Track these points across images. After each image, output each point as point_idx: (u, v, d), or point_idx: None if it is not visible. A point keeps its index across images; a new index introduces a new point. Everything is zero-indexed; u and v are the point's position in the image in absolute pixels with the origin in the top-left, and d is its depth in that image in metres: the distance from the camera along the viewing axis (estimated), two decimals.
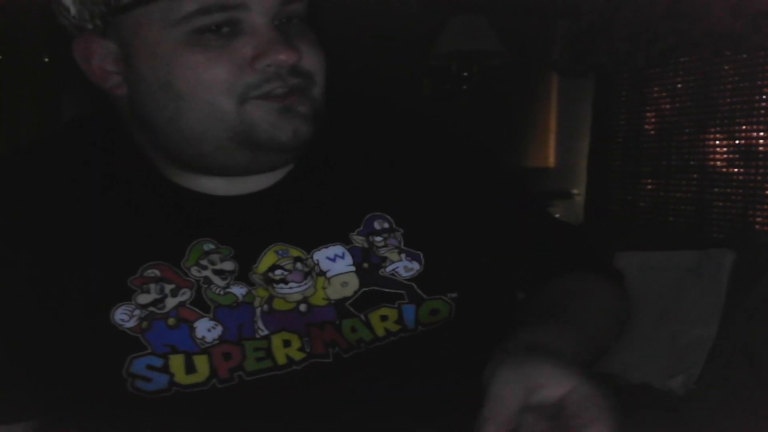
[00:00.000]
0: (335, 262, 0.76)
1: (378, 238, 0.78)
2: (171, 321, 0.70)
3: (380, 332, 0.74)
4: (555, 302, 0.80)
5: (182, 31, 0.69)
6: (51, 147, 0.81)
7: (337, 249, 0.76)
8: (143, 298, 0.71)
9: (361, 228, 0.78)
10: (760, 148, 2.62)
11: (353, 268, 0.76)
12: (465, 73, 3.23)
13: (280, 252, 0.75)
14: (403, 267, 0.77)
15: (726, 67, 2.70)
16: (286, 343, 0.72)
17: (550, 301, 0.80)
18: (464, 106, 3.22)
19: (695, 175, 2.87)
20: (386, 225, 0.79)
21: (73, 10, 0.73)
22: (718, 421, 1.78)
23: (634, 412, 1.86)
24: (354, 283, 0.75)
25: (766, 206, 2.63)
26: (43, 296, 0.71)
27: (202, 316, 0.71)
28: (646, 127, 3.07)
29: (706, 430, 1.74)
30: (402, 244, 0.78)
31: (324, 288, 0.75)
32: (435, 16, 3.14)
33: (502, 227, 0.86)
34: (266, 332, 0.72)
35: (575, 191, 3.39)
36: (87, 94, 0.81)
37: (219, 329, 0.71)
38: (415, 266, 0.77)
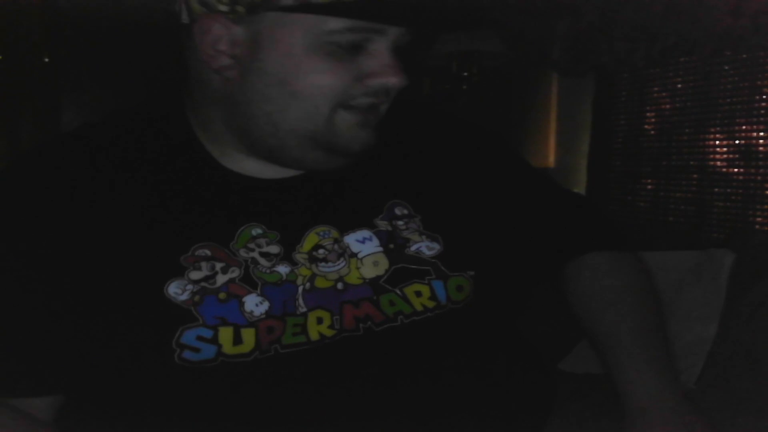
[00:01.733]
0: (364, 244, 0.82)
1: (400, 222, 0.84)
2: (222, 295, 0.75)
3: (418, 307, 0.80)
4: (640, 326, 0.91)
5: (320, 40, 0.74)
6: (110, 129, 0.85)
7: (364, 233, 0.83)
8: (195, 275, 0.76)
9: (384, 214, 0.85)
10: (760, 148, 2.62)
11: (381, 249, 0.82)
12: (465, 73, 3.23)
13: (321, 233, 0.81)
14: (426, 246, 0.83)
15: (726, 67, 2.70)
16: (319, 321, 0.77)
17: (636, 326, 0.91)
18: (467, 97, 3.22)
19: (695, 175, 2.87)
20: (405, 211, 0.85)
21: None
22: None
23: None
24: (384, 262, 0.81)
25: (766, 206, 2.63)
26: (97, 271, 0.75)
27: (251, 292, 0.76)
28: (646, 127, 3.07)
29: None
30: (422, 227, 0.84)
31: (358, 268, 0.80)
32: None
33: (515, 209, 0.94)
34: (305, 309, 0.77)
35: (575, 191, 3.39)
36: (87, 95, 0.83)
37: (266, 305, 0.76)
38: (436, 246, 0.83)
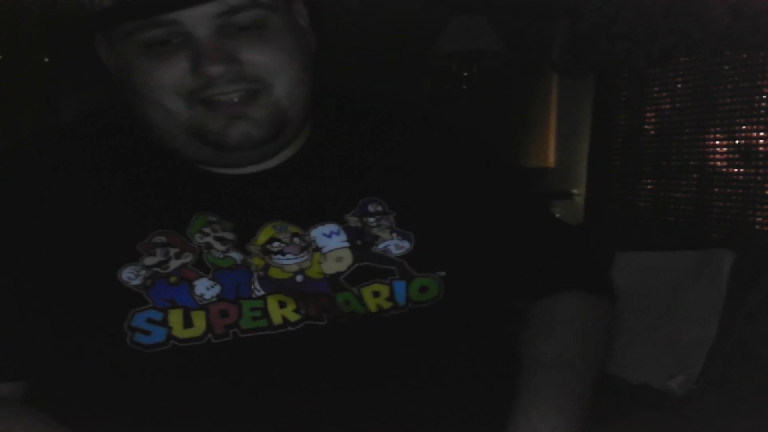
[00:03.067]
0: (330, 239, 0.81)
1: (371, 219, 0.83)
2: (173, 279, 0.76)
3: (372, 308, 0.79)
4: (567, 342, 0.88)
5: (135, 43, 0.77)
6: (76, 128, 0.89)
7: (332, 227, 0.82)
8: (149, 260, 0.76)
9: (356, 210, 0.83)
10: (760, 148, 2.62)
11: (347, 244, 0.81)
12: (465, 73, 3.23)
13: (278, 227, 0.81)
14: (395, 245, 0.82)
15: (726, 67, 2.70)
16: (282, 304, 0.76)
17: (563, 341, 0.88)
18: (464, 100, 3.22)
19: (695, 175, 2.87)
20: (380, 208, 0.84)
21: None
22: (718, 421, 1.78)
23: (634, 412, 1.86)
24: (348, 258, 0.80)
25: (766, 206, 2.63)
26: (58, 259, 0.77)
27: (202, 276, 0.76)
28: (646, 127, 3.07)
29: (706, 430, 1.74)
30: (394, 225, 0.83)
31: (320, 263, 0.80)
32: (435, 16, 3.14)
33: (492, 212, 0.91)
34: (262, 293, 0.77)
35: (575, 191, 3.39)
36: (86, 94, 0.86)
37: (217, 288, 0.76)
38: (406, 245, 0.82)
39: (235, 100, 0.77)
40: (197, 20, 0.75)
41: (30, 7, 2.78)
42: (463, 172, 0.92)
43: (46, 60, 2.86)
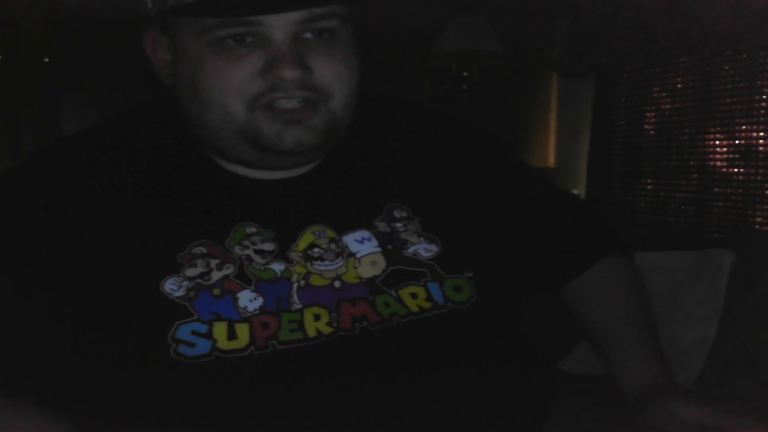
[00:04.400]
0: (363, 244, 0.82)
1: (398, 224, 0.85)
2: (216, 291, 0.76)
3: (414, 308, 0.80)
4: (636, 325, 0.95)
5: (207, 39, 0.76)
6: (111, 131, 0.88)
7: (363, 233, 0.83)
8: (191, 272, 0.76)
9: (383, 215, 0.85)
10: (760, 148, 2.62)
11: (380, 249, 0.82)
12: (465, 73, 3.23)
13: (317, 233, 0.82)
14: (423, 248, 0.84)
15: (726, 67, 2.70)
16: (316, 317, 0.77)
17: (631, 325, 0.96)
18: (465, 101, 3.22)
19: (695, 175, 2.87)
20: (404, 214, 0.86)
21: (149, 3, 0.81)
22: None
23: (634, 412, 1.86)
24: (381, 262, 0.82)
25: (766, 206, 2.63)
26: (97, 270, 0.76)
27: (245, 288, 0.77)
28: (646, 127, 3.07)
29: (705, 430, 1.74)
30: (420, 229, 0.85)
31: (355, 268, 0.81)
32: (435, 16, 3.14)
33: (517, 213, 0.94)
34: (300, 306, 0.77)
35: (575, 191, 3.39)
36: (86, 94, 0.86)
37: (260, 300, 0.77)
38: (434, 248, 0.84)
39: (297, 106, 0.78)
40: (279, 24, 0.76)
41: (30, 7, 2.78)
42: (484, 173, 0.94)
43: (46, 60, 2.86)
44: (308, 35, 0.78)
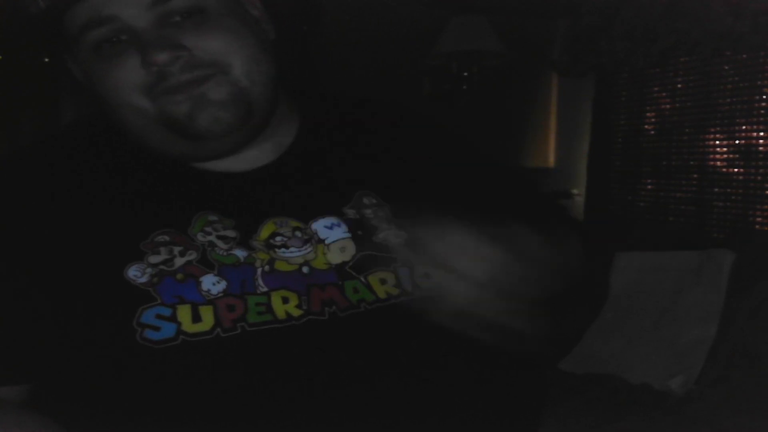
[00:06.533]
0: (332, 230, 0.83)
1: (368, 211, 0.86)
2: (179, 276, 0.77)
3: (382, 294, 0.80)
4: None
5: (88, 48, 0.80)
6: (78, 131, 0.90)
7: (332, 219, 0.84)
8: (154, 258, 0.78)
9: (352, 203, 0.86)
10: (760, 148, 2.62)
11: (349, 235, 0.83)
12: (465, 73, 3.23)
13: (278, 222, 0.82)
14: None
15: (726, 67, 2.70)
16: (285, 300, 0.77)
17: None
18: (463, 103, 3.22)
19: (695, 175, 2.87)
20: (374, 201, 0.87)
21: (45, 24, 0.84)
22: (718, 421, 1.78)
23: (634, 412, 1.86)
24: (351, 248, 0.82)
25: (766, 206, 2.63)
26: (62, 261, 0.78)
27: (208, 272, 0.78)
28: (646, 127, 3.07)
29: (706, 430, 1.74)
30: (390, 216, 0.86)
31: (324, 254, 0.81)
32: (435, 16, 3.14)
33: (481, 197, 0.94)
34: (266, 289, 0.78)
35: (575, 191, 3.39)
36: (86, 95, 0.87)
37: (223, 284, 0.77)
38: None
39: (193, 82, 0.79)
40: (134, 12, 0.78)
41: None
42: (450, 160, 0.96)
43: (46, 60, 2.86)
44: (177, 18, 0.79)
